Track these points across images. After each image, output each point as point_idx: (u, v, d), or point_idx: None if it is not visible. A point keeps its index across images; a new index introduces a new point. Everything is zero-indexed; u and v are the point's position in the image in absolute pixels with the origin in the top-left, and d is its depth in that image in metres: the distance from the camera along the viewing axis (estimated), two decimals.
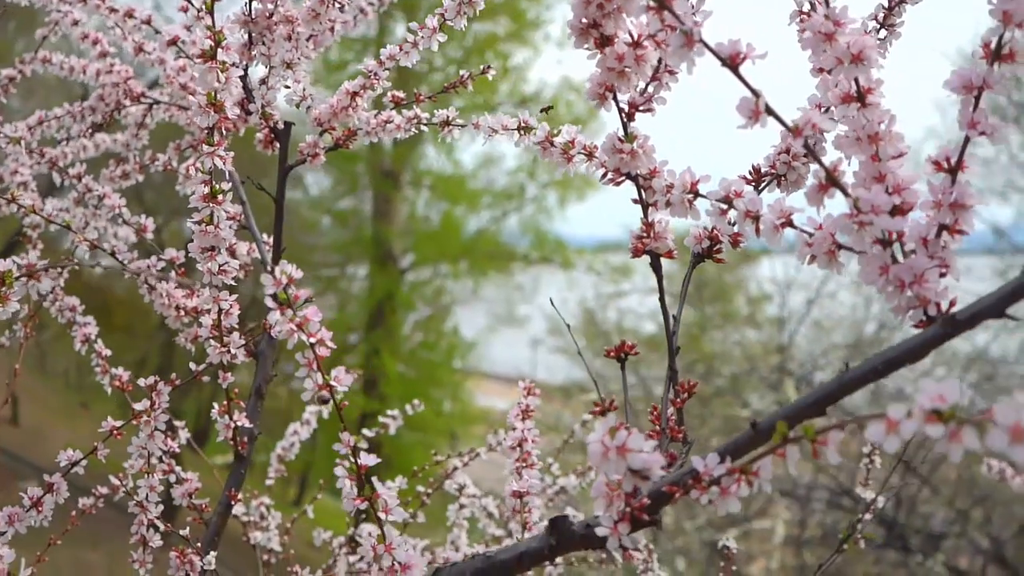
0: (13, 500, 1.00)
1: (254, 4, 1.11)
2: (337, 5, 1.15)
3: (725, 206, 0.72)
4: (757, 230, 0.70)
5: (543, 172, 9.58)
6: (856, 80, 0.65)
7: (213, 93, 0.93)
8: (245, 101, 1.16)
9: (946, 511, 6.07)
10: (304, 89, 1.17)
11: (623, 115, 0.77)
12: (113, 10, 1.33)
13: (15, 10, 1.45)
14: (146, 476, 1.03)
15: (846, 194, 0.64)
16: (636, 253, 0.80)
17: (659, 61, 0.75)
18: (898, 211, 0.63)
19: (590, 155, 0.88)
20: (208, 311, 1.00)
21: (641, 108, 0.77)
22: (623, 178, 0.78)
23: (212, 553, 1.05)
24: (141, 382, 1.03)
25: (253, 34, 1.13)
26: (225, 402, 1.06)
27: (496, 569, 0.70)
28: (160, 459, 1.04)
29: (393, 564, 0.71)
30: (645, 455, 0.59)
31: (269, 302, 0.69)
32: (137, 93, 1.47)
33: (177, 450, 1.09)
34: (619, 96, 0.76)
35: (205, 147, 0.92)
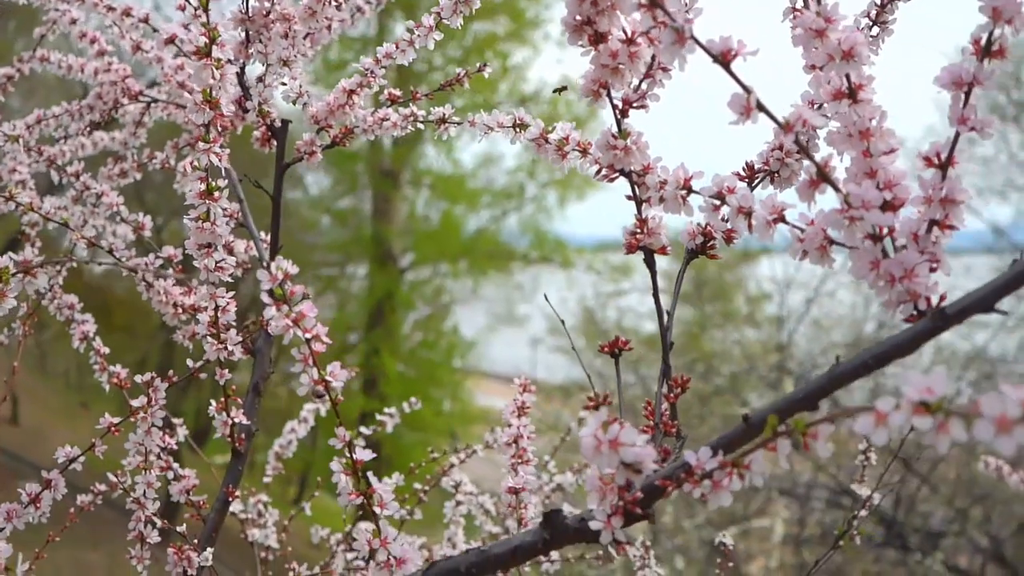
0: (13, 500, 1.01)
1: (251, 2, 1.12)
2: (334, 3, 1.15)
3: (718, 202, 0.73)
4: (750, 226, 0.70)
5: (543, 171, 9.59)
6: (847, 76, 0.66)
7: (208, 90, 0.93)
8: (242, 99, 1.17)
9: (945, 510, 6.07)
10: (301, 86, 1.17)
11: (617, 112, 0.77)
12: (111, 8, 1.33)
13: (15, 9, 1.45)
14: (143, 473, 1.04)
15: (837, 190, 0.65)
16: (630, 249, 0.80)
17: (652, 58, 0.75)
18: (889, 206, 0.63)
19: (584, 152, 0.89)
20: (205, 308, 1.00)
21: (635, 105, 0.78)
22: (617, 174, 0.79)
23: (209, 549, 1.05)
24: (138, 379, 1.04)
25: (250, 32, 1.14)
26: (223, 399, 1.07)
27: (490, 563, 0.70)
28: (158, 456, 1.05)
29: (388, 558, 0.71)
30: (638, 448, 0.59)
31: (265, 298, 0.69)
32: (135, 91, 1.47)
33: (175, 447, 1.10)
34: (613, 93, 0.76)
35: (201, 144, 0.93)
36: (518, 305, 10.83)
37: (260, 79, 1.15)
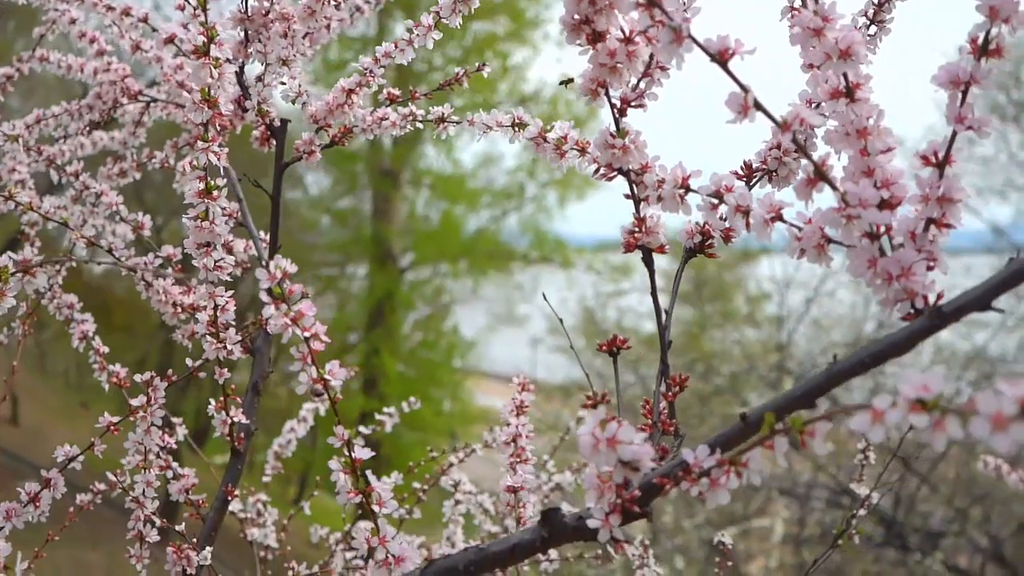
0: (12, 499, 1.01)
1: (250, 1, 1.12)
2: (333, 3, 1.15)
3: (716, 201, 0.73)
4: (747, 225, 0.70)
5: (543, 171, 9.59)
6: (845, 75, 0.66)
7: (207, 89, 0.93)
8: (241, 98, 1.17)
9: (945, 509, 6.07)
10: (300, 86, 1.17)
11: (615, 111, 0.77)
12: (110, 8, 1.33)
13: (14, 9, 1.45)
14: (143, 472, 1.04)
15: (835, 188, 0.65)
16: (628, 248, 0.80)
17: (650, 57, 0.75)
18: (886, 205, 0.63)
19: (583, 151, 0.89)
20: (204, 307, 1.00)
21: (633, 104, 0.78)
22: (615, 173, 0.79)
23: (208, 549, 1.05)
24: (138, 378, 1.04)
25: (249, 31, 1.14)
26: (222, 398, 1.07)
27: (489, 561, 0.70)
28: (157, 455, 1.05)
29: (387, 557, 0.71)
30: (635, 446, 0.59)
31: (264, 296, 0.69)
32: (134, 91, 1.48)
33: (174, 447, 1.10)
34: (611, 92, 0.77)
35: (200, 143, 0.93)
36: (518, 305, 10.84)
37: (259, 78, 1.15)
